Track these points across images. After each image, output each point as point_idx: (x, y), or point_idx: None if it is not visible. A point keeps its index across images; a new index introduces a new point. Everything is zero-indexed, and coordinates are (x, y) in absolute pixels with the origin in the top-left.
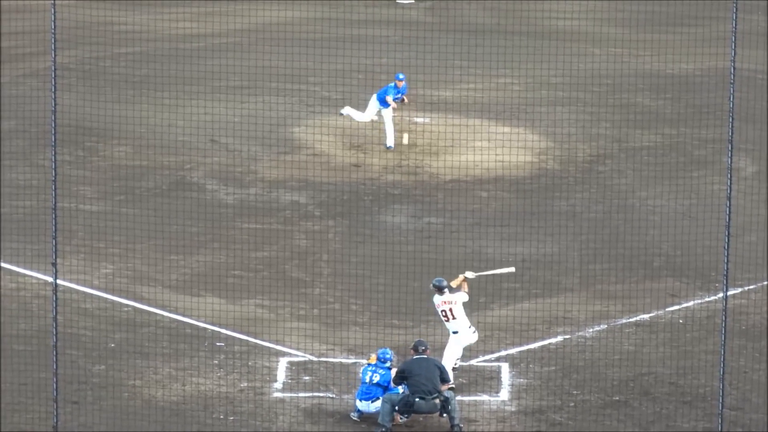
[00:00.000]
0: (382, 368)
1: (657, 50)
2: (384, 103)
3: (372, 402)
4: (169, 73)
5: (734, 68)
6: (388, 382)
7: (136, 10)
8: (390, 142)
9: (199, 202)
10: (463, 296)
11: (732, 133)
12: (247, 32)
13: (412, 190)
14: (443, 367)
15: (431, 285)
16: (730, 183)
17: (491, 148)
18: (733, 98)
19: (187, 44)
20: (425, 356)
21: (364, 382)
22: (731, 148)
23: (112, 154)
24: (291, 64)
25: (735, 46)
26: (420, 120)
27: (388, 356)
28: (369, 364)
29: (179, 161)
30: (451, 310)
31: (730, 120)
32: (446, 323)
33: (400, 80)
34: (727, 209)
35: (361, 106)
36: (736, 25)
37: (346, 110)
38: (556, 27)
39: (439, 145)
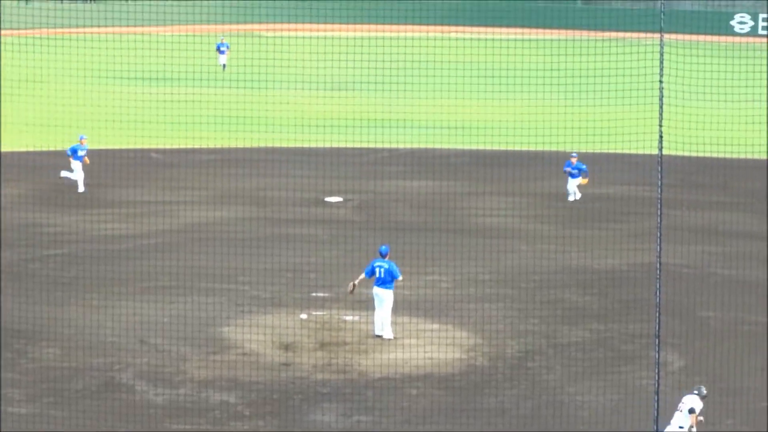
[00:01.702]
0: None
1: (584, 246)
2: None
3: None
4: (98, 274)
5: (660, 263)
6: None
7: (64, 212)
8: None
9: (128, 403)
10: None
11: (659, 328)
12: (175, 232)
13: (341, 389)
14: None
15: None
16: (658, 378)
17: (420, 345)
18: (659, 293)
19: (115, 245)
20: None
21: None
22: (658, 342)
23: (41, 356)
24: (220, 264)
25: (660, 242)
26: (349, 318)
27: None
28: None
29: (108, 362)
30: None
31: (657, 315)
32: None
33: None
34: (655, 404)
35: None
36: (661, 220)
37: None
38: (483, 224)
39: (368, 342)
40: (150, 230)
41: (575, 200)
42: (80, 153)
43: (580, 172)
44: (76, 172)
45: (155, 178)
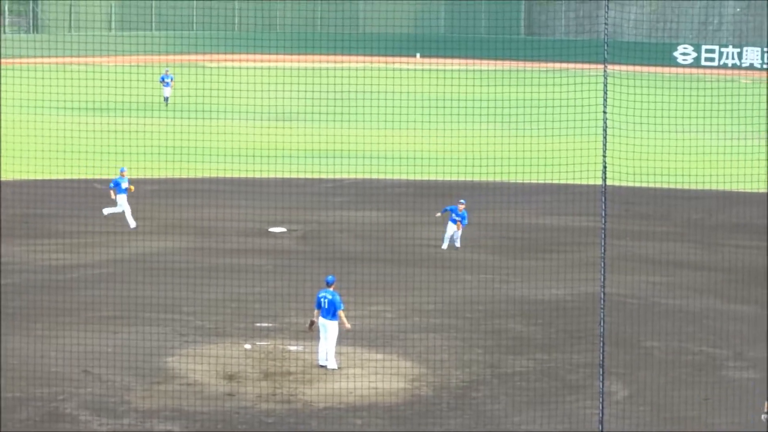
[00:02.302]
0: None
1: (528, 276)
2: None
3: None
4: (42, 303)
5: (604, 293)
6: None
7: (7, 242)
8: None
9: None
10: None
11: (603, 358)
12: (119, 262)
13: (286, 418)
14: None
15: None
16: (602, 408)
17: (365, 375)
18: (603, 323)
19: (59, 275)
20: None
21: None
22: (602, 372)
23: None
24: (164, 294)
25: (604, 272)
26: (293, 348)
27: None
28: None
29: (52, 392)
30: None
31: (601, 345)
32: None
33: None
34: None
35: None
36: (604, 250)
37: None
38: (427, 254)
39: (313, 372)
40: (94, 260)
41: (455, 247)
42: (123, 186)
43: (462, 219)
44: (121, 206)
45: (99, 208)
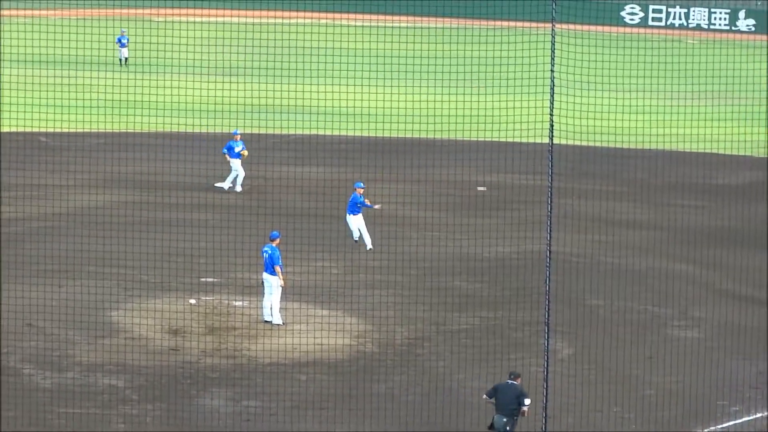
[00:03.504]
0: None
1: (474, 234)
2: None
3: None
4: None
5: (550, 251)
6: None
7: None
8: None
9: (16, 387)
10: None
11: (548, 316)
12: (64, 216)
13: (230, 373)
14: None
15: None
16: (547, 365)
17: (309, 331)
18: (548, 281)
19: (3, 229)
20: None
21: None
22: (547, 330)
23: None
24: (108, 248)
25: (550, 230)
26: (238, 303)
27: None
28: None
29: None
30: None
31: (546, 303)
32: None
33: None
34: (545, 390)
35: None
36: (551, 209)
37: None
38: (373, 211)
39: (257, 328)
40: (38, 214)
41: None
42: (237, 149)
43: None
44: (236, 170)
45: (44, 161)
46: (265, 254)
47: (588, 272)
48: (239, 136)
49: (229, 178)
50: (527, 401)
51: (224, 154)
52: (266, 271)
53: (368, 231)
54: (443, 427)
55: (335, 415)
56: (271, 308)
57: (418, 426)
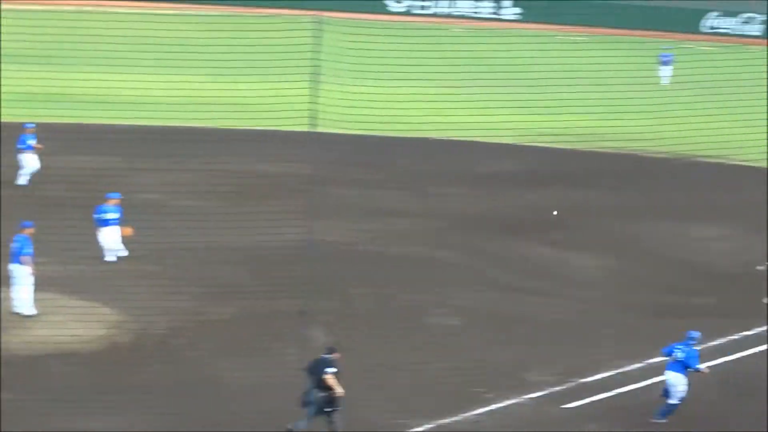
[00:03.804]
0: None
1: (235, 222)
2: None
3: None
4: None
5: (311, 240)
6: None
7: None
8: None
9: None
10: None
11: (308, 306)
12: None
13: None
14: None
15: None
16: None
17: (64, 322)
18: (310, 270)
19: None
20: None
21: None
22: (307, 320)
23: None
24: None
25: (312, 219)
26: None
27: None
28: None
29: None
30: None
31: (307, 292)
32: None
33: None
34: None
35: None
36: (313, 198)
37: None
38: (137, 200)
39: (9, 319)
40: None
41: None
42: (29, 142)
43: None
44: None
45: None
46: (15, 244)
47: (351, 261)
48: (33, 129)
49: (25, 172)
50: (329, 370)
51: (22, 149)
52: (14, 261)
53: (126, 223)
54: (201, 416)
55: (89, 408)
56: (22, 299)
57: (175, 417)
